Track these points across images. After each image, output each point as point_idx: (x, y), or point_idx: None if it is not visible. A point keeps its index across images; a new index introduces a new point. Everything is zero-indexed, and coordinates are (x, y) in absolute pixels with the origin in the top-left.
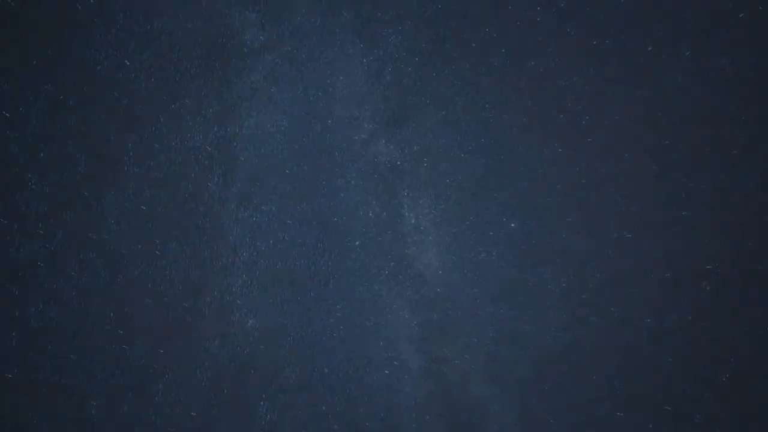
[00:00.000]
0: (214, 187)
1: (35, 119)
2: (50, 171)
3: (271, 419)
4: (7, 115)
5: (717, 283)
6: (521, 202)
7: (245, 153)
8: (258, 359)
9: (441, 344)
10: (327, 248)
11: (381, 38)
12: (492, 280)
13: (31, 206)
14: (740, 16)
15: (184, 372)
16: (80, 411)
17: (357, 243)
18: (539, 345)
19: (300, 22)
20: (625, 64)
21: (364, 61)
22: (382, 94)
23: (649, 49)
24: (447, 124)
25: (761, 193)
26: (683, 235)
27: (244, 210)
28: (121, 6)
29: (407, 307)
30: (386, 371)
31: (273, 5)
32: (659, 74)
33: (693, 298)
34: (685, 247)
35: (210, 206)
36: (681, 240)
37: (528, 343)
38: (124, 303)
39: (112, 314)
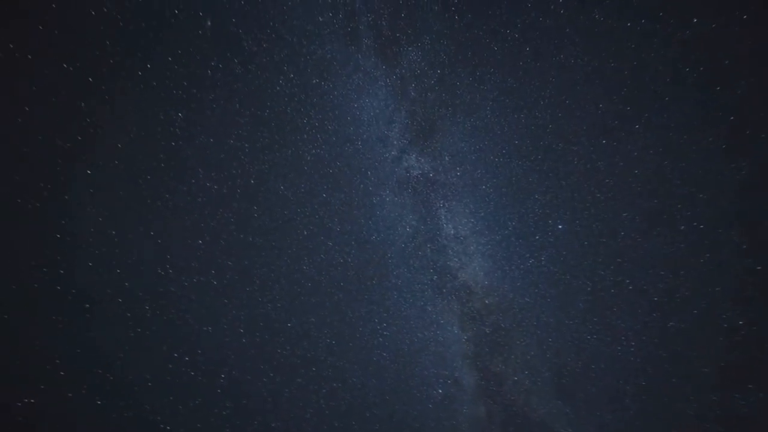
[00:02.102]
0: (257, 216)
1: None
2: None
3: None
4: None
5: None
6: (567, 202)
7: (286, 182)
8: (308, 382)
9: (496, 359)
10: (368, 267)
11: (402, 57)
12: (545, 287)
13: None
14: None
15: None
16: None
17: (397, 259)
18: (609, 356)
19: (323, 54)
20: (663, 56)
21: (388, 81)
22: (408, 110)
23: (688, 44)
24: (477, 131)
25: None
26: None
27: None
28: None
29: (455, 322)
30: (439, 389)
31: (299, 37)
32: (699, 70)
33: None
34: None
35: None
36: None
37: (596, 354)
38: None
39: None
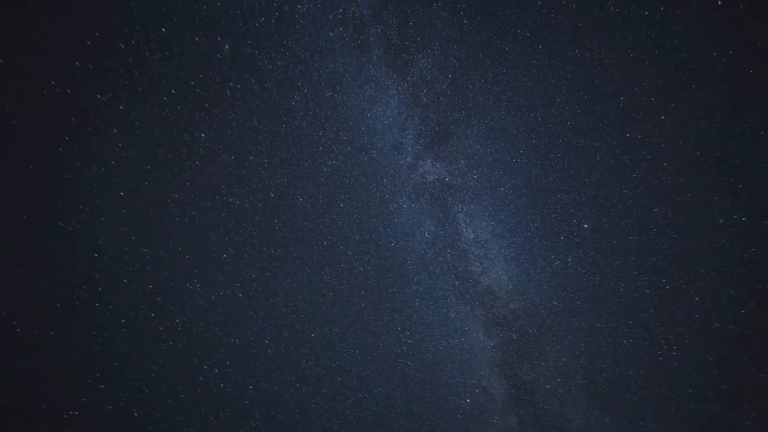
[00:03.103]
0: (278, 228)
1: None
2: None
3: None
4: None
5: None
6: (592, 200)
7: (305, 194)
8: (334, 393)
9: (525, 367)
10: (388, 275)
11: (412, 65)
12: (574, 290)
13: None
14: None
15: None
16: None
17: (418, 266)
18: (650, 362)
19: (335, 67)
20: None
21: (399, 89)
22: (421, 116)
23: (714, 28)
24: (492, 132)
25: None
26: None
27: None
28: None
29: (480, 328)
30: (468, 399)
31: (311, 53)
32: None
33: None
34: None
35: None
36: None
37: (635, 360)
38: None
39: None
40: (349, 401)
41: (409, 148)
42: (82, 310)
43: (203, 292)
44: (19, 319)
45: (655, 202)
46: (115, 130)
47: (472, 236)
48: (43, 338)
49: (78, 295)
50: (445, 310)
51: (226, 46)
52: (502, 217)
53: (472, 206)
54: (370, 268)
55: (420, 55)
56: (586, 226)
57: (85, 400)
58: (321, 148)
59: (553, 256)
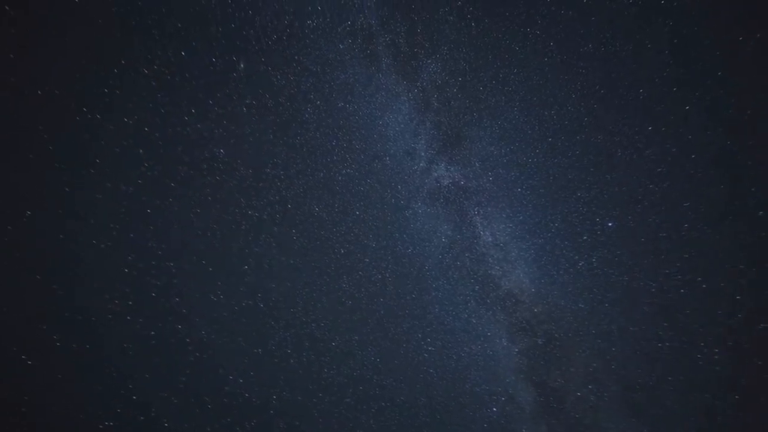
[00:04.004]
0: (296, 238)
1: None
2: None
3: None
4: None
5: None
6: (615, 197)
7: (321, 203)
8: (356, 402)
9: (553, 373)
10: (406, 281)
11: (422, 71)
12: (601, 291)
13: None
14: None
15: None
16: None
17: (436, 271)
18: (689, 366)
19: (346, 78)
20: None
21: (410, 95)
22: (433, 121)
23: (740, 12)
24: (506, 133)
25: None
26: None
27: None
28: None
29: (503, 334)
30: (494, 408)
31: (322, 65)
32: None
33: None
34: None
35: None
36: None
37: (672, 364)
38: None
39: None
40: (372, 410)
41: (422, 153)
42: (115, 323)
43: (226, 303)
44: (58, 333)
45: (685, 196)
46: (141, 151)
47: (490, 239)
48: (78, 351)
49: (109, 309)
50: (465, 316)
51: (241, 65)
52: (521, 218)
53: (488, 208)
54: (388, 275)
55: (429, 61)
56: (610, 224)
57: (119, 410)
58: (335, 157)
59: (576, 257)
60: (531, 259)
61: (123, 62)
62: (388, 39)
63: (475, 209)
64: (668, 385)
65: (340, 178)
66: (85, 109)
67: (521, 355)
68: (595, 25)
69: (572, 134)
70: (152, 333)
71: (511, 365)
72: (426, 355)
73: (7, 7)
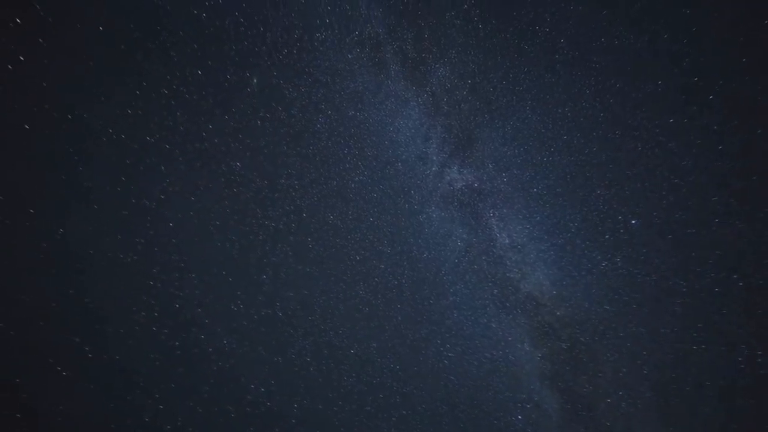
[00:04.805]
0: (312, 246)
1: None
2: None
3: None
4: None
5: None
6: (637, 193)
7: (335, 211)
8: (377, 410)
9: (580, 379)
10: (423, 286)
11: (430, 75)
12: (628, 292)
13: None
14: None
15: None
16: None
17: (452, 276)
18: (730, 369)
19: (355, 87)
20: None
21: (419, 100)
22: (443, 125)
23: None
24: (518, 133)
25: None
26: None
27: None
28: None
29: (525, 338)
30: (519, 416)
31: (332, 76)
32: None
33: None
34: None
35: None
36: None
37: (710, 368)
38: None
39: None
40: (393, 419)
41: (434, 157)
42: (142, 334)
43: (246, 312)
44: (90, 345)
45: (713, 190)
46: (163, 168)
47: (507, 241)
48: (108, 362)
49: (136, 321)
50: (485, 320)
51: (255, 80)
52: (538, 219)
53: (504, 210)
54: (404, 281)
55: (437, 65)
56: (633, 222)
57: (147, 420)
58: (347, 165)
59: (599, 257)
60: (551, 260)
61: (145, 84)
62: (395, 46)
63: (491, 211)
64: (707, 390)
65: (353, 185)
66: (110, 131)
67: (545, 360)
68: (606, 18)
69: (588, 131)
70: (177, 343)
71: (534, 371)
72: (446, 361)
73: (41, 40)
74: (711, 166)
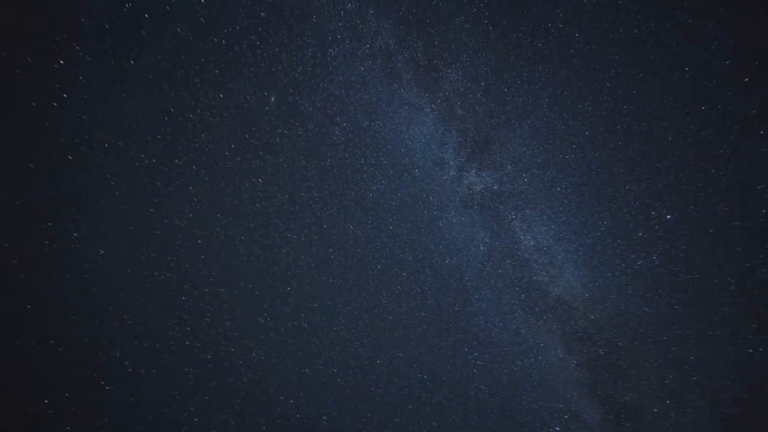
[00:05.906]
0: (333, 257)
1: None
2: None
3: None
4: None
5: None
6: (671, 186)
7: (354, 221)
8: (407, 422)
9: (621, 387)
10: (446, 293)
11: (443, 80)
12: (668, 292)
13: None
14: None
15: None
16: None
17: (477, 281)
18: None
19: (369, 98)
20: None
21: (433, 106)
22: (458, 129)
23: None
24: (536, 132)
25: None
26: None
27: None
28: None
29: (558, 344)
30: (557, 427)
31: (346, 89)
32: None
33: None
34: None
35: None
36: None
37: (765, 373)
38: None
39: None
40: (423, 431)
41: (451, 162)
42: (177, 348)
43: (273, 324)
44: (129, 360)
45: (756, 179)
46: (191, 188)
47: (532, 243)
48: (146, 377)
49: (172, 336)
50: (514, 327)
51: (272, 99)
52: (564, 218)
53: (527, 211)
54: (427, 288)
55: (449, 70)
56: (668, 216)
57: None
58: (365, 175)
59: (633, 256)
60: (580, 261)
61: (172, 110)
62: (406, 55)
63: (513, 213)
64: (762, 396)
65: (371, 194)
66: (142, 155)
67: (581, 367)
68: (624, 8)
69: (612, 125)
70: (209, 357)
71: (570, 379)
72: (475, 370)
73: (73, 72)
74: (751, 152)
